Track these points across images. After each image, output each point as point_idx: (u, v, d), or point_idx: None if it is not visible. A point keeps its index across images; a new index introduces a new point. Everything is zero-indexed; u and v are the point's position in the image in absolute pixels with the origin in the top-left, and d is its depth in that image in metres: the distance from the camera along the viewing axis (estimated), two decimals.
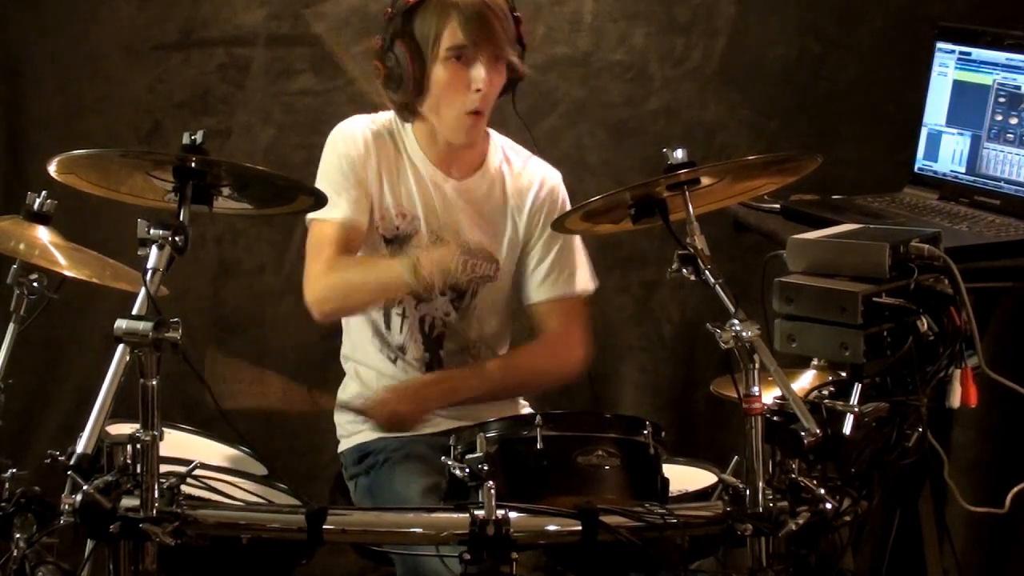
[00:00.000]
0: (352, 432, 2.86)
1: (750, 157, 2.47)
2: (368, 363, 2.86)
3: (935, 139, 3.23)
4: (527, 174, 2.88)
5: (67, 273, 2.70)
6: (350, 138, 2.78)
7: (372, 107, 2.84)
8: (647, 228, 2.41)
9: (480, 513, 2.13)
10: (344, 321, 2.89)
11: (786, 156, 2.50)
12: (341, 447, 2.89)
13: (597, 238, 3.05)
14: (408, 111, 2.78)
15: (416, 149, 2.81)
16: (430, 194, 2.80)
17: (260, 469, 2.75)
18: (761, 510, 2.16)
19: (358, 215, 2.74)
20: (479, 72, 2.68)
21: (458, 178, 2.83)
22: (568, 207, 2.86)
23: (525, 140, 2.93)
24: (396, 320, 2.83)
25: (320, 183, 2.74)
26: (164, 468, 2.10)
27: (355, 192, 2.74)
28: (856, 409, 2.29)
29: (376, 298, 2.79)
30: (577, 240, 2.87)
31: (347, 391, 2.90)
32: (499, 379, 2.83)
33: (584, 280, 2.89)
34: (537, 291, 2.87)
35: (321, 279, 2.71)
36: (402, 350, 2.84)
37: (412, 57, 2.69)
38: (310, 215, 2.73)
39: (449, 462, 2.31)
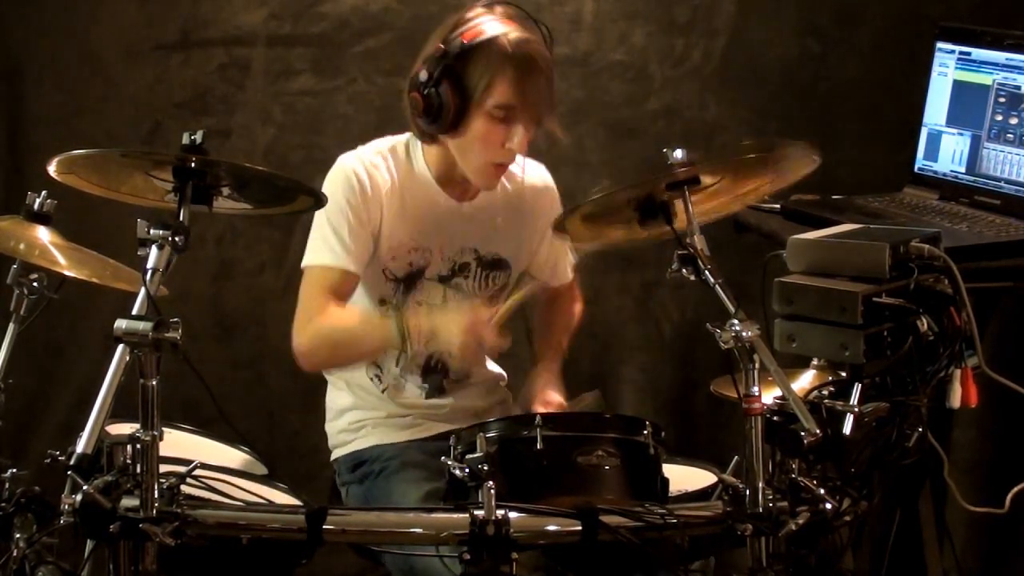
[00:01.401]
0: (346, 441, 2.84)
1: (744, 143, 2.45)
2: (360, 384, 2.85)
3: (935, 139, 3.23)
4: (527, 176, 2.88)
5: (67, 273, 2.71)
6: (353, 181, 2.71)
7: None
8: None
9: (480, 513, 2.13)
10: None
11: (778, 144, 2.49)
12: (334, 455, 2.87)
13: None
14: (431, 138, 2.74)
15: (427, 175, 2.76)
16: (444, 222, 2.77)
17: (260, 469, 2.75)
18: (761, 510, 2.15)
19: (354, 266, 2.69)
20: (518, 134, 2.64)
21: (470, 199, 2.81)
22: (558, 200, 2.91)
23: None
24: (394, 352, 2.80)
25: (319, 222, 2.71)
26: (164, 468, 2.10)
27: (355, 241, 2.69)
28: (856, 409, 2.29)
29: (361, 359, 2.80)
30: None
31: (338, 403, 2.88)
32: (565, 347, 3.00)
33: (571, 255, 2.99)
34: (553, 277, 2.98)
35: (310, 331, 2.69)
36: (401, 379, 2.83)
37: (455, 99, 2.63)
38: (306, 262, 2.72)
39: (449, 462, 2.30)
